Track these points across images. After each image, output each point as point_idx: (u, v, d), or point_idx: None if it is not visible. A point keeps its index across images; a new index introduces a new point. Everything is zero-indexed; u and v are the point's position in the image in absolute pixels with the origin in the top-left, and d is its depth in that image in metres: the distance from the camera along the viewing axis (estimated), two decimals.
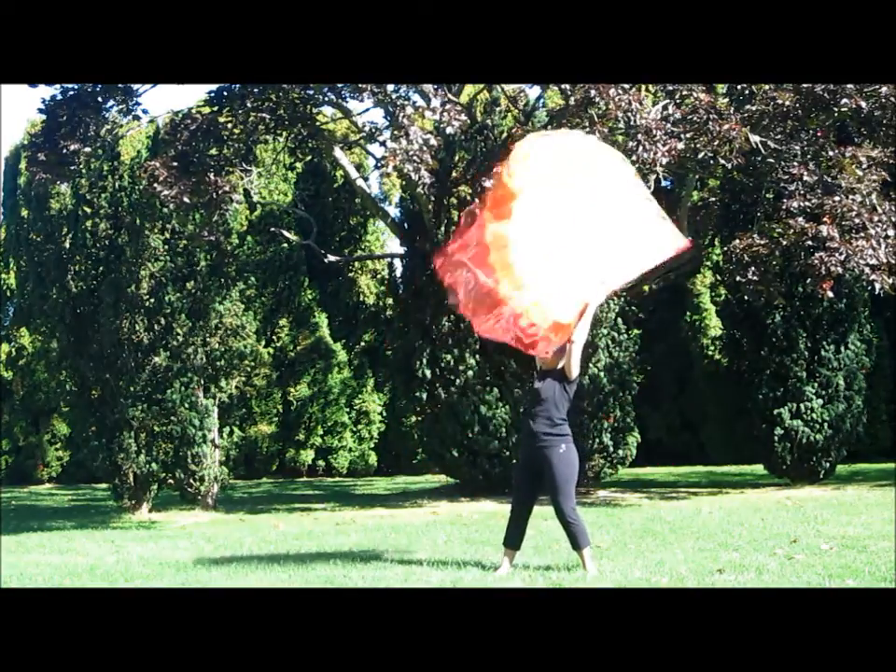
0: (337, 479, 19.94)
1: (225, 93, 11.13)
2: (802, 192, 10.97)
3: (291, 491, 16.59)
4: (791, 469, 13.38)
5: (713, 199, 15.46)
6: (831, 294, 11.23)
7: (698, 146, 10.03)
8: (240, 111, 11.01)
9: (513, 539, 6.15)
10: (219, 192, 10.79)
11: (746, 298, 11.93)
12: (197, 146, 11.03)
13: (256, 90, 10.80)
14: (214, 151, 11.24)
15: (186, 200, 10.66)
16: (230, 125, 11.22)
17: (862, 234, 10.48)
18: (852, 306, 13.37)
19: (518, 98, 15.45)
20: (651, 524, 8.79)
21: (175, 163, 10.73)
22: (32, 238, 12.67)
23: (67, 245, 12.07)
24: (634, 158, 9.91)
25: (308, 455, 20.22)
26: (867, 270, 10.36)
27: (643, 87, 11.12)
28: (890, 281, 10.63)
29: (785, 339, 13.26)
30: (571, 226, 5.78)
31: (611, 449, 13.29)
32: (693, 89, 10.44)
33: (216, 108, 11.25)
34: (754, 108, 10.69)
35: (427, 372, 12.97)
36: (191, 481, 11.84)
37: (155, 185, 10.57)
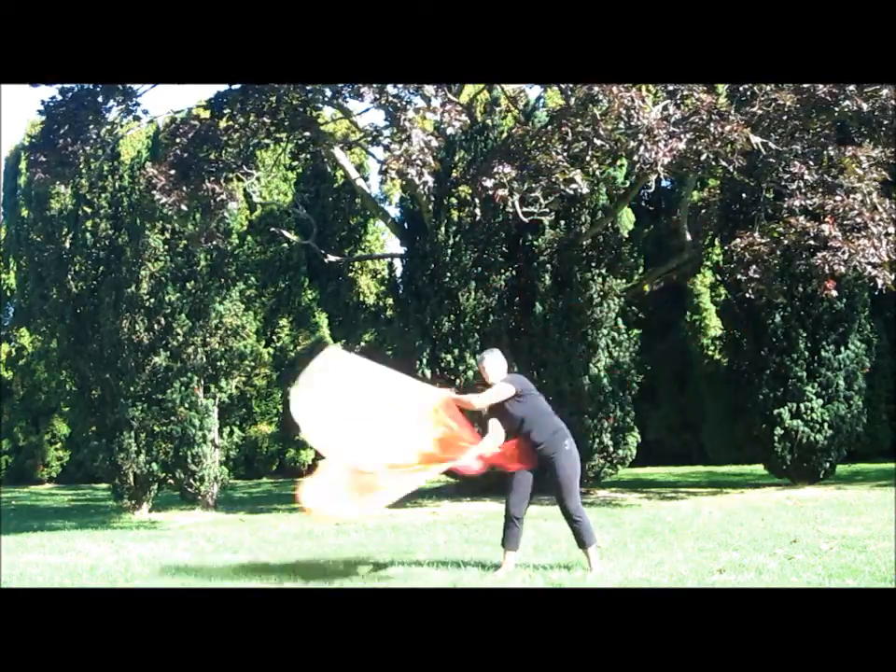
0: None
1: (225, 99, 11.14)
2: (803, 191, 10.98)
3: (291, 491, 16.55)
4: (792, 469, 13.38)
5: (713, 199, 15.47)
6: (835, 293, 11.24)
7: (700, 147, 10.04)
8: (239, 115, 11.01)
9: (512, 540, 6.15)
10: (217, 199, 10.79)
11: (746, 297, 11.93)
12: (196, 152, 11.03)
13: (256, 94, 10.80)
14: (213, 156, 11.24)
15: (183, 207, 10.67)
16: (229, 130, 11.22)
17: (864, 233, 10.49)
18: (852, 306, 13.36)
19: (518, 98, 15.46)
20: (651, 524, 8.79)
21: (174, 170, 10.72)
22: (32, 238, 12.67)
23: (67, 245, 12.08)
24: (635, 157, 9.94)
25: (308, 455, 20.20)
26: (869, 268, 10.38)
27: (643, 87, 11.12)
28: (892, 278, 10.65)
29: (785, 339, 13.25)
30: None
31: (611, 449, 13.28)
32: (693, 89, 10.44)
33: (215, 114, 11.26)
34: (755, 109, 10.70)
35: (427, 372, 12.96)
36: (191, 481, 11.84)
37: (153, 192, 10.57)
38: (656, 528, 8.35)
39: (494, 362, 6.24)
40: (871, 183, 10.66)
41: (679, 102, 10.58)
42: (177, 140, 11.24)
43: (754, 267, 11.20)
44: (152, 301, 11.82)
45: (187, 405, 11.67)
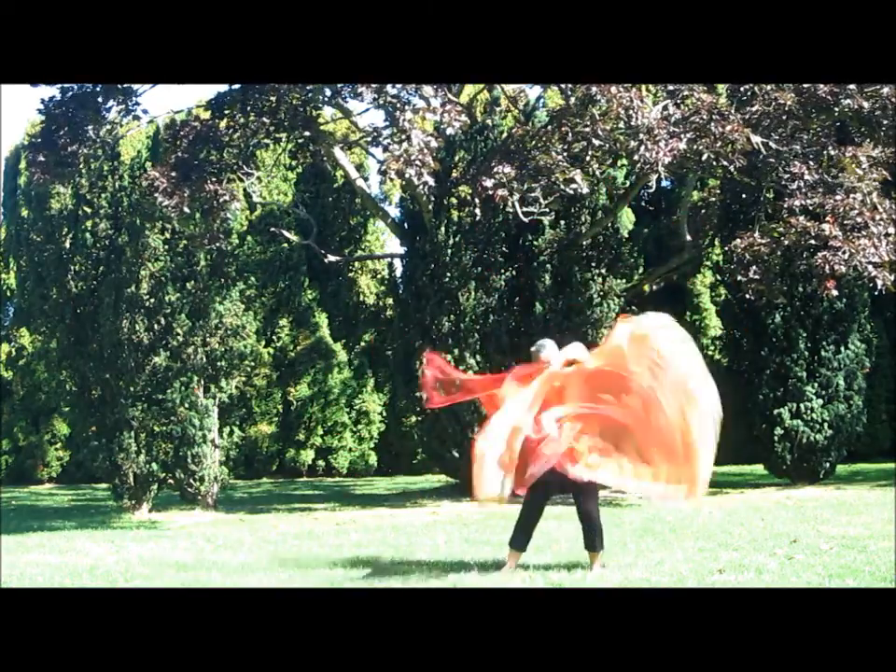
0: (337, 479, 19.93)
1: (225, 99, 11.14)
2: (803, 191, 10.98)
3: (291, 491, 16.58)
4: (792, 469, 13.38)
5: (713, 199, 15.48)
6: (835, 293, 11.25)
7: (701, 147, 10.04)
8: (239, 115, 11.01)
9: (521, 541, 6.14)
10: (219, 200, 10.79)
11: (746, 297, 11.93)
12: (196, 153, 11.03)
13: (256, 94, 10.80)
14: (214, 157, 11.23)
15: (186, 209, 10.67)
16: (229, 130, 11.22)
17: (864, 233, 10.50)
18: (852, 306, 13.37)
19: (518, 98, 15.46)
20: (651, 524, 8.79)
21: (175, 172, 10.72)
22: (32, 238, 12.65)
23: (67, 245, 12.06)
24: (636, 157, 9.94)
25: (308, 455, 20.20)
26: (870, 267, 10.39)
27: (643, 87, 11.13)
28: (892, 278, 10.66)
29: (785, 339, 13.25)
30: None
31: None
32: (693, 89, 10.45)
33: (215, 114, 11.26)
34: (755, 109, 10.70)
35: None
36: (191, 481, 11.83)
37: (155, 194, 10.57)
38: (656, 528, 8.35)
39: (553, 351, 6.33)
40: (871, 183, 10.67)
41: (679, 102, 10.58)
42: (178, 142, 11.24)
43: (754, 268, 11.20)
44: (152, 300, 11.81)
45: (187, 405, 11.66)
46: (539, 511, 6.17)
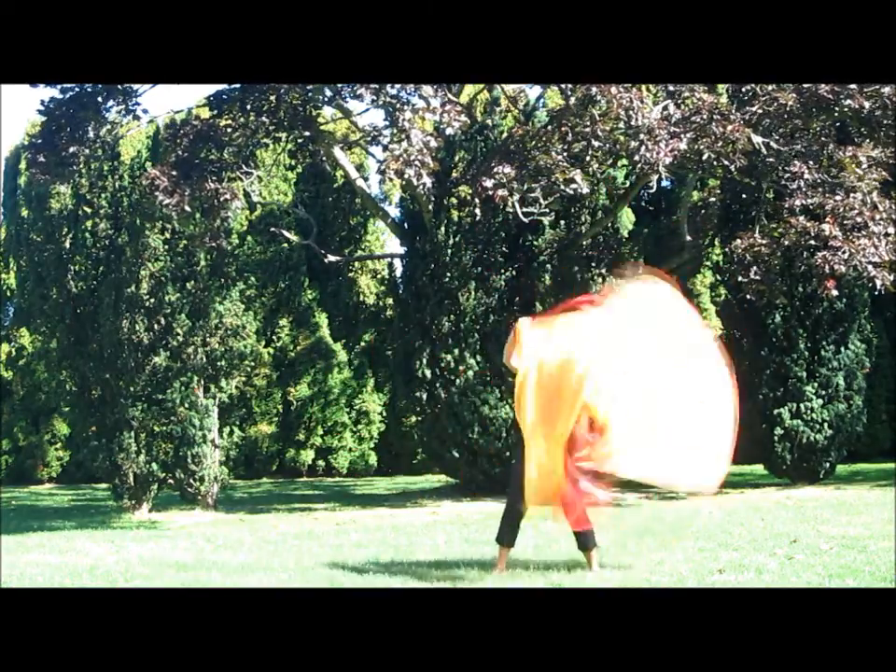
0: (337, 479, 19.92)
1: (224, 96, 11.14)
2: (803, 191, 10.99)
3: (291, 491, 16.58)
4: (792, 469, 13.37)
5: (713, 199, 15.48)
6: (835, 293, 11.26)
7: (702, 147, 10.04)
8: (239, 115, 11.02)
9: (509, 537, 6.14)
10: (220, 199, 10.79)
11: (746, 298, 11.93)
12: (197, 152, 11.03)
13: (256, 93, 10.81)
14: (214, 156, 11.24)
15: (187, 208, 10.68)
16: (229, 130, 11.23)
17: (864, 233, 10.51)
18: (852, 306, 13.36)
19: (518, 98, 15.46)
20: (651, 524, 8.78)
21: (175, 171, 10.72)
22: (32, 238, 12.66)
23: (67, 245, 12.06)
24: (636, 158, 9.94)
25: (308, 455, 20.19)
26: (870, 267, 10.40)
27: (643, 87, 11.14)
28: (892, 278, 10.67)
29: (785, 339, 13.25)
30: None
31: None
32: (694, 89, 10.46)
33: (215, 113, 11.27)
34: (756, 109, 10.70)
35: (427, 372, 12.96)
36: (191, 481, 11.83)
37: (156, 193, 10.57)
38: (656, 528, 8.35)
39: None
40: (871, 183, 10.68)
41: (679, 102, 10.59)
42: (178, 141, 11.25)
43: (755, 269, 11.21)
44: (152, 300, 11.82)
45: (187, 405, 11.67)
46: (524, 508, 6.13)
